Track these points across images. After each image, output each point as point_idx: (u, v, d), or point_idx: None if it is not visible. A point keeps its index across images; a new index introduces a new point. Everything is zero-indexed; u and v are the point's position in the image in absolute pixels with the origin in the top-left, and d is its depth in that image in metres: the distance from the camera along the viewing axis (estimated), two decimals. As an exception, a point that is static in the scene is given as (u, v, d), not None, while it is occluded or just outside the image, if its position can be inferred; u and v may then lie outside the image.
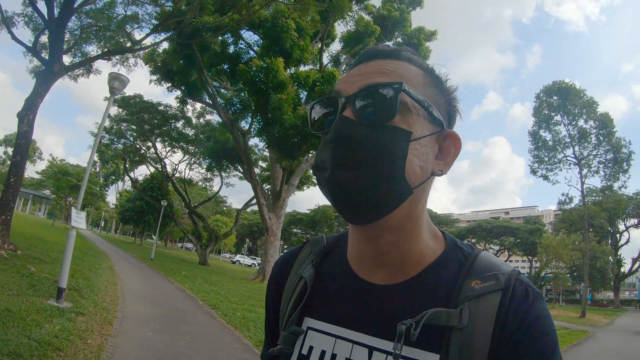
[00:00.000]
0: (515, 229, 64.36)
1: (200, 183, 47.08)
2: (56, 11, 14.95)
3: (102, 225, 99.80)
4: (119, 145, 38.97)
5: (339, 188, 0.73)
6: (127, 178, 53.04)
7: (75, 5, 15.49)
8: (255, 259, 67.24)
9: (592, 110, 37.08)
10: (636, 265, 57.06)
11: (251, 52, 26.41)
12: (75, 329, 6.53)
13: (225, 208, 76.37)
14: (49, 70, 14.49)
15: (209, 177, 44.35)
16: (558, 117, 38.50)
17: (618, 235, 58.75)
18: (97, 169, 67.48)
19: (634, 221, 57.43)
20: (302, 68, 24.60)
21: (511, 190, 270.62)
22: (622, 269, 58.83)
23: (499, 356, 0.70)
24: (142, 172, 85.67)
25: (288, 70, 22.60)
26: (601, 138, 37.23)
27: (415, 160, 0.75)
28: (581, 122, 37.82)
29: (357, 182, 0.72)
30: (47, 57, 15.14)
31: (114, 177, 70.33)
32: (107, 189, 74.58)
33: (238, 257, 66.78)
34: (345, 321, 0.81)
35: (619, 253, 58.51)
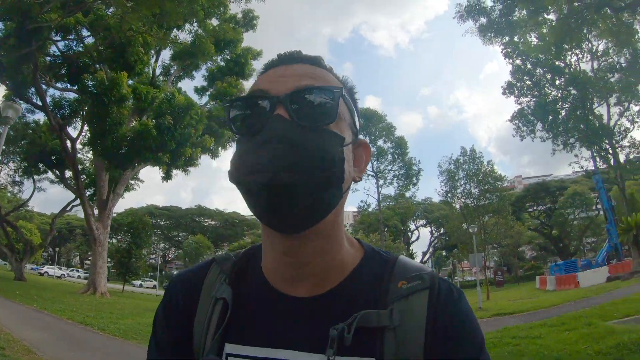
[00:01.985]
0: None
1: (9, 187, 44.38)
2: None
3: None
4: None
5: (279, 193, 0.71)
6: None
7: None
8: (63, 269, 62.93)
9: (391, 132, 47.40)
10: (426, 257, 72.96)
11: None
12: None
13: (26, 212, 68.22)
14: None
15: (17, 180, 42.40)
16: (361, 137, 46.96)
17: (410, 234, 72.40)
18: None
19: (422, 222, 71.29)
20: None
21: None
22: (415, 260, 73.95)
23: (434, 351, 0.75)
24: None
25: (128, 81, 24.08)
26: (396, 156, 47.13)
27: (346, 166, 0.77)
28: (380, 142, 47.97)
29: (300, 186, 0.71)
30: None
31: None
32: None
33: (47, 268, 60.59)
34: (269, 341, 0.79)
35: (411, 248, 71.93)
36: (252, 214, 0.79)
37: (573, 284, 27.27)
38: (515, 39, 17.30)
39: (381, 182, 48.60)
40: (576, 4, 13.30)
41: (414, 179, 49.20)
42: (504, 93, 31.94)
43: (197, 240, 67.16)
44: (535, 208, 66.66)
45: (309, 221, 0.75)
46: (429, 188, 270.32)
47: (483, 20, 14.37)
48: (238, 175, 0.76)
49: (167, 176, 27.89)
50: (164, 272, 71.24)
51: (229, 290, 0.84)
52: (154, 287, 57.47)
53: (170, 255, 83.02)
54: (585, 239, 61.09)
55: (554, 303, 18.66)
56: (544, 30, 15.90)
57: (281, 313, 0.81)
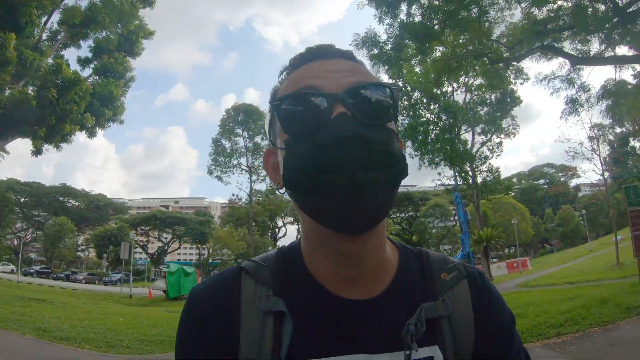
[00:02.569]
0: (187, 219, 71.46)
1: None
2: None
3: None
4: None
5: (357, 191, 0.70)
6: None
7: None
8: None
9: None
10: None
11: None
12: None
13: None
14: None
15: None
16: (240, 131, 46.69)
17: (277, 230, 73.62)
18: None
19: (290, 219, 72.64)
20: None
21: (182, 179, 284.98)
22: None
23: (481, 329, 0.85)
24: None
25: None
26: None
27: None
28: (257, 139, 48.22)
29: (377, 183, 0.71)
30: None
31: None
32: None
33: None
34: (338, 348, 0.78)
35: (277, 244, 72.96)
36: (308, 214, 0.77)
37: None
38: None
39: (254, 177, 48.96)
40: (459, 50, 14.99)
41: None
42: (388, 75, 34.14)
43: (60, 222, 61.46)
44: (398, 215, 71.80)
45: (378, 219, 0.76)
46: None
47: (375, 50, 15.66)
48: (304, 177, 0.73)
49: (38, 151, 25.33)
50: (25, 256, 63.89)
51: (280, 301, 0.79)
52: (12, 271, 50.47)
53: (27, 237, 73.72)
54: (442, 246, 66.13)
55: None
56: (427, 64, 17.49)
57: (344, 318, 0.80)
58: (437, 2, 14.15)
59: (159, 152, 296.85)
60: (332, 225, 0.74)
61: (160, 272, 37.34)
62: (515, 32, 15.52)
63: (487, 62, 15.90)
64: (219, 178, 48.19)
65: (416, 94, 30.10)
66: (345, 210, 0.70)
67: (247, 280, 0.84)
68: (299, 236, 0.97)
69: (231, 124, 48.17)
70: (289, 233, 72.53)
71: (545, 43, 14.90)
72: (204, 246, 70.35)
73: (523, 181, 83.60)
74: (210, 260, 67.61)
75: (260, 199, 59.98)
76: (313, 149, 0.72)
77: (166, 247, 76.58)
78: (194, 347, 0.82)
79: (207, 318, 0.82)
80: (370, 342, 0.78)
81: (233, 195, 53.25)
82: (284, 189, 0.81)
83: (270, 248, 71.16)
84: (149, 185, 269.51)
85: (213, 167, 47.98)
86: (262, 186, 52.01)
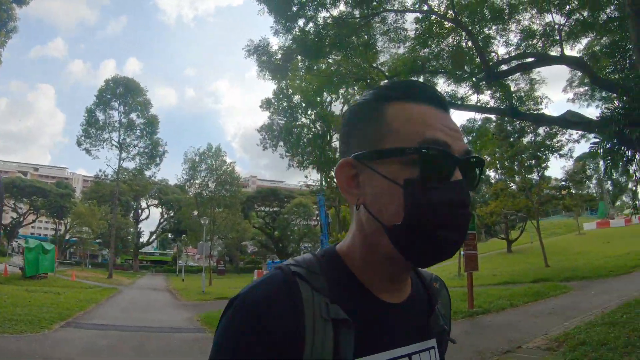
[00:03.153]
0: (47, 190, 66.46)
1: None
2: None
3: None
4: None
5: (459, 246, 0.85)
6: None
7: None
8: None
9: (146, 109, 46.59)
10: (153, 237, 74.46)
11: None
12: None
13: None
14: None
15: None
16: (116, 104, 45.51)
17: (140, 211, 72.05)
18: None
19: (155, 202, 71.68)
20: None
21: (44, 145, 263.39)
22: (142, 239, 74.05)
23: (448, 318, 1.11)
24: None
25: None
26: (145, 134, 46.33)
27: None
28: (133, 116, 47.31)
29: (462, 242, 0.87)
30: None
31: None
32: None
33: None
34: (388, 344, 0.88)
35: (139, 226, 72.61)
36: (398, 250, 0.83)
37: None
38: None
39: (124, 154, 47.65)
40: (342, 68, 17.05)
41: (158, 159, 49.53)
42: (261, 106, 36.11)
43: None
44: (263, 209, 72.82)
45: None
46: (167, 169, 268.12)
47: (264, 58, 16.84)
48: (428, 225, 0.80)
49: None
50: None
51: (340, 309, 0.82)
52: None
53: None
54: (303, 244, 68.17)
55: None
56: (311, 75, 19.43)
57: (389, 319, 0.90)
58: (331, 22, 15.19)
59: (24, 110, 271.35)
60: (420, 265, 0.90)
61: (18, 248, 34.95)
62: (398, 63, 17.10)
63: (366, 85, 17.48)
64: (88, 151, 46.15)
65: (296, 98, 31.79)
66: (442, 257, 0.84)
67: (303, 286, 0.83)
68: (338, 243, 0.99)
69: (109, 96, 46.40)
70: (152, 215, 70.97)
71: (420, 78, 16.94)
72: (62, 221, 65.85)
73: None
74: (68, 237, 64.13)
75: (127, 177, 58.71)
76: (440, 204, 0.80)
77: (21, 219, 70.23)
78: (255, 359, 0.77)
79: (271, 326, 0.78)
80: (405, 336, 0.91)
81: (100, 171, 51.06)
82: (359, 207, 0.88)
83: (131, 229, 69.73)
84: (8, 146, 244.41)
85: (83, 138, 45.99)
86: (130, 164, 50.90)
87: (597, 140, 10.42)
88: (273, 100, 35.72)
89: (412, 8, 15.35)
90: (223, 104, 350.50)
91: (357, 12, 15.13)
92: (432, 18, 15.44)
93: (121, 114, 46.82)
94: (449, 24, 15.09)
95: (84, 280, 31.37)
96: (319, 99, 27.49)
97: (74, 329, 11.31)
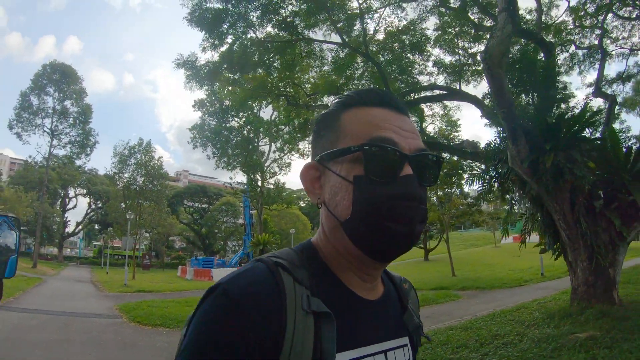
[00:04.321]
0: (-29, 172, 64.66)
1: None
2: None
3: None
4: None
5: (409, 240, 0.89)
6: None
7: None
8: None
9: (80, 97, 46.96)
10: (79, 227, 73.40)
11: None
12: None
13: None
14: None
15: None
16: (51, 90, 45.84)
17: (67, 200, 70.71)
18: None
19: (83, 191, 70.73)
20: None
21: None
22: (67, 229, 72.35)
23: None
24: None
25: None
26: (78, 122, 47.02)
27: None
28: (67, 103, 47.88)
29: (419, 234, 0.91)
30: None
31: None
32: None
33: None
34: (365, 340, 0.92)
35: (66, 215, 70.69)
36: (358, 245, 0.90)
37: (207, 277, 33.65)
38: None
39: (55, 142, 47.99)
40: (268, 86, 18.34)
41: (88, 149, 50.31)
42: (194, 106, 37.36)
43: None
44: (191, 205, 73.84)
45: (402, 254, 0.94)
46: (98, 156, 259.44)
47: (191, 72, 17.63)
48: (376, 219, 0.86)
49: None
50: None
51: (321, 302, 0.84)
52: None
53: None
54: (230, 242, 69.81)
55: (187, 288, 25.20)
56: (237, 89, 20.99)
57: (366, 315, 0.94)
58: (257, 41, 16.35)
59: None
60: (377, 258, 0.92)
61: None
62: (319, 82, 18.34)
63: (286, 100, 19.03)
64: (19, 135, 46.42)
65: (227, 102, 32.66)
66: (395, 250, 0.89)
67: (286, 277, 0.85)
68: (312, 237, 1.04)
69: (44, 81, 46.76)
70: (79, 205, 69.76)
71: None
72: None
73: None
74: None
75: (57, 165, 58.25)
76: (387, 199, 0.86)
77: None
78: (235, 347, 0.76)
79: (253, 315, 0.78)
80: (381, 333, 0.96)
81: (30, 156, 51.08)
82: (321, 205, 0.96)
83: (58, 218, 68.39)
84: None
85: (15, 122, 46.16)
86: (61, 152, 51.08)
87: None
88: (206, 102, 36.84)
89: (327, 40, 17.02)
90: (161, 93, 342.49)
91: (283, 33, 16.38)
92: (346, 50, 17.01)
93: (55, 100, 47.35)
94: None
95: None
96: (249, 102, 29.15)
97: (5, 311, 12.67)
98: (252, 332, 0.78)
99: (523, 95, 13.10)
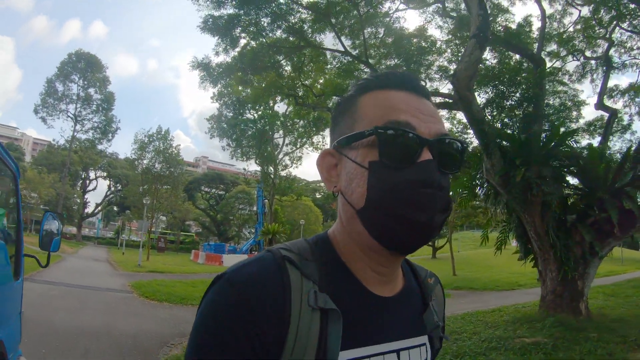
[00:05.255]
0: (-3, 152, 66.55)
1: None
2: None
3: None
4: None
5: (432, 230, 0.83)
6: None
7: None
8: None
9: (104, 85, 48.78)
10: (98, 209, 74.53)
11: None
12: None
13: None
14: None
15: None
16: (76, 78, 47.73)
17: (87, 182, 72.02)
18: None
19: (104, 174, 71.92)
20: None
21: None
22: (87, 210, 73.97)
23: (444, 319, 1.11)
24: None
25: None
26: (100, 109, 48.80)
27: None
28: (91, 90, 49.51)
29: (442, 224, 0.85)
30: None
31: None
32: None
33: None
34: (378, 337, 0.87)
35: (86, 196, 72.28)
36: (374, 235, 0.85)
37: (218, 262, 34.59)
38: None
39: (78, 127, 49.95)
40: (278, 85, 19.57)
41: (110, 135, 52.22)
42: (212, 97, 38.12)
43: None
44: (209, 191, 74.88)
45: (423, 245, 0.87)
46: (119, 141, 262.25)
47: (205, 73, 18.62)
48: (392, 207, 0.81)
49: None
50: None
51: (329, 299, 0.81)
52: None
53: None
54: (245, 229, 69.90)
55: (196, 271, 26.32)
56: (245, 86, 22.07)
57: (379, 312, 0.89)
58: (269, 42, 17.04)
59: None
60: (391, 248, 0.85)
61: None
62: (325, 84, 19.32)
63: (294, 100, 20.06)
64: (44, 120, 48.62)
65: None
66: (413, 241, 0.83)
67: (292, 271, 0.83)
68: (329, 229, 0.99)
69: (70, 69, 48.59)
70: (99, 187, 70.96)
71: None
72: (9, 187, 66.29)
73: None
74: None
75: (79, 148, 60.05)
76: (403, 185, 0.81)
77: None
78: (236, 338, 0.76)
79: (257, 307, 0.77)
80: (394, 331, 0.90)
81: (54, 140, 53.26)
82: (337, 194, 0.92)
83: (78, 200, 70.42)
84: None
85: (40, 107, 48.06)
86: (82, 136, 52.60)
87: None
88: (224, 93, 36.97)
89: (333, 48, 17.78)
90: (184, 79, 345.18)
91: (292, 38, 17.12)
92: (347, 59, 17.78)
93: (80, 87, 49.25)
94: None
95: (29, 245, 32.24)
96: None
97: (30, 282, 13.58)
98: (254, 322, 0.77)
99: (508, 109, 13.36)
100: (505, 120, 13.29)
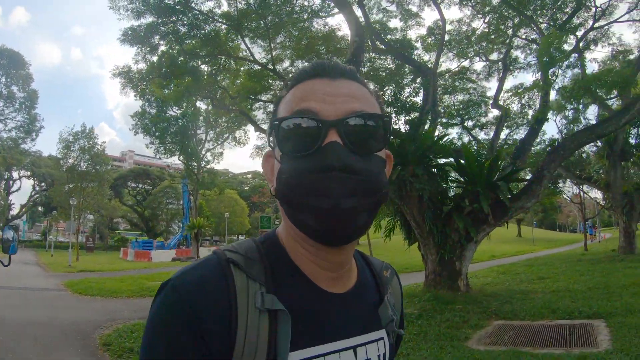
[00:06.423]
0: None
1: None
2: None
3: None
4: None
5: (340, 217, 0.77)
6: None
7: None
8: None
9: (27, 83, 47.84)
10: (23, 210, 72.27)
11: None
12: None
13: None
14: None
15: None
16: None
17: (12, 182, 69.61)
18: None
19: (27, 173, 69.56)
20: None
21: None
22: (12, 212, 71.13)
23: (400, 308, 1.09)
24: None
25: None
26: (23, 107, 48.01)
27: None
28: (14, 88, 47.77)
29: (357, 210, 0.77)
30: None
31: None
32: None
33: None
34: (329, 336, 0.85)
35: (10, 198, 69.77)
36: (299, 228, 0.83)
37: (147, 258, 35.34)
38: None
39: (1, 126, 47.86)
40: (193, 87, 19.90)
41: (34, 134, 50.04)
42: (135, 96, 38.45)
43: None
44: (135, 187, 73.33)
45: (355, 237, 0.82)
46: (42, 136, 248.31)
47: (125, 80, 20.03)
48: (296, 197, 0.79)
49: None
50: None
51: (276, 299, 0.80)
52: None
53: None
54: (174, 224, 69.57)
55: (126, 268, 27.02)
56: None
57: (330, 309, 0.87)
58: (186, 49, 17.82)
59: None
60: (316, 239, 0.82)
61: None
62: (240, 86, 20.36)
63: (210, 102, 21.18)
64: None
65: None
66: (328, 229, 0.78)
67: (237, 274, 0.81)
68: (274, 227, 0.99)
69: (-9, 66, 46.09)
70: (23, 187, 68.01)
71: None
72: None
73: (257, 179, 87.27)
74: None
75: (1, 147, 58.33)
76: (304, 173, 0.78)
77: None
78: (183, 344, 0.75)
79: (202, 312, 0.76)
80: (349, 328, 0.88)
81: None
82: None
83: (2, 202, 67.83)
84: None
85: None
86: (5, 135, 51.14)
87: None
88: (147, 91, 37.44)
89: (244, 54, 19.19)
90: (107, 70, 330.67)
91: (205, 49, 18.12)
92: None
93: (2, 85, 47.19)
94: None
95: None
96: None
97: None
98: (200, 327, 0.76)
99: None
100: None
